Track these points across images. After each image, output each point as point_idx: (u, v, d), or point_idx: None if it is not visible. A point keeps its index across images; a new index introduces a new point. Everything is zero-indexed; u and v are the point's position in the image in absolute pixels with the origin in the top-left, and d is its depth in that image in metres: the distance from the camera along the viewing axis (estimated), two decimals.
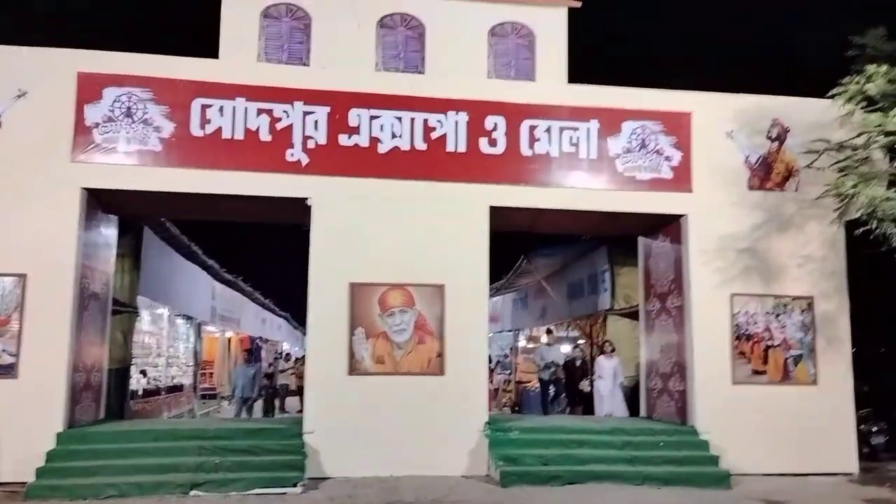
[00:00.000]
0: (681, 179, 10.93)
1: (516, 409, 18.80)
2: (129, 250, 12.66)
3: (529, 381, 19.75)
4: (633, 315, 13.38)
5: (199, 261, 17.87)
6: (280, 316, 39.64)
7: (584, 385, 13.17)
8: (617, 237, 13.51)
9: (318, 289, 10.29)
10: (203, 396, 19.60)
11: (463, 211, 10.56)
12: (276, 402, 19.24)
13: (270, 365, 21.91)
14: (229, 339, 24.06)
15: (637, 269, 12.83)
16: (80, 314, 9.88)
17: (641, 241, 12.43)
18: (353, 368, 10.18)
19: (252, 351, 15.85)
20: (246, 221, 13.26)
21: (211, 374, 22.54)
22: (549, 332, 13.47)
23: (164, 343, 16.38)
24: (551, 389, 14.53)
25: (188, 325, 18.57)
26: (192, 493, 8.63)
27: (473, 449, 10.18)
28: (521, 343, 23.18)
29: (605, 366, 13.01)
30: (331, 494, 8.76)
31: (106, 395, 11.26)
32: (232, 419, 13.07)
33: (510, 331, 23.15)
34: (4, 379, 9.36)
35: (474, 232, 10.57)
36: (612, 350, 13.14)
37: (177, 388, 16.81)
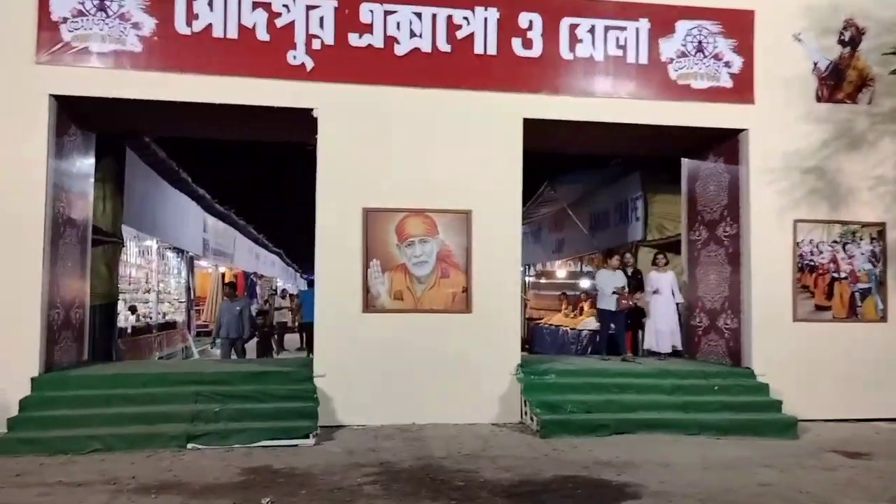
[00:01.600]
0: (742, 89, 9.53)
1: (526, 347, 17.77)
2: (111, 174, 11.26)
3: (541, 318, 18.71)
4: (667, 247, 12.13)
5: (188, 190, 16.51)
6: (273, 252, 38.59)
7: (640, 298, 11.06)
8: (654, 159, 12.17)
9: (327, 216, 9.00)
10: (199, 334, 18.47)
11: (493, 124, 9.19)
12: (274, 342, 18.17)
13: (266, 302, 20.77)
14: (223, 275, 22.83)
15: (674, 197, 11.61)
16: (54, 242, 8.57)
17: (686, 162, 11.09)
18: (369, 305, 8.96)
19: (233, 285, 13.71)
20: (240, 140, 11.88)
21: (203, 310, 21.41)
22: (609, 253, 11.38)
23: (153, 277, 15.10)
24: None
25: (179, 259, 17.29)
26: (190, 445, 7.48)
27: (504, 394, 9.06)
28: (531, 279, 22.09)
29: (661, 281, 10.54)
30: (349, 447, 7.64)
31: (90, 334, 10.08)
32: (232, 361, 11.72)
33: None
34: None
35: (506, 149, 9.23)
36: (666, 262, 10.86)
37: (169, 326, 15.63)
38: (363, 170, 9.02)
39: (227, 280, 12.93)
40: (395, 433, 8.29)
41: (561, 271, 20.12)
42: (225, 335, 12.26)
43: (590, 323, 15.73)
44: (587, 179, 14.41)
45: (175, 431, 7.59)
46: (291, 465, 6.88)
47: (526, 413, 8.88)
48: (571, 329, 15.95)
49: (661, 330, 10.52)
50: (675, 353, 10.74)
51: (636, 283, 11.19)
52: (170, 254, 16.50)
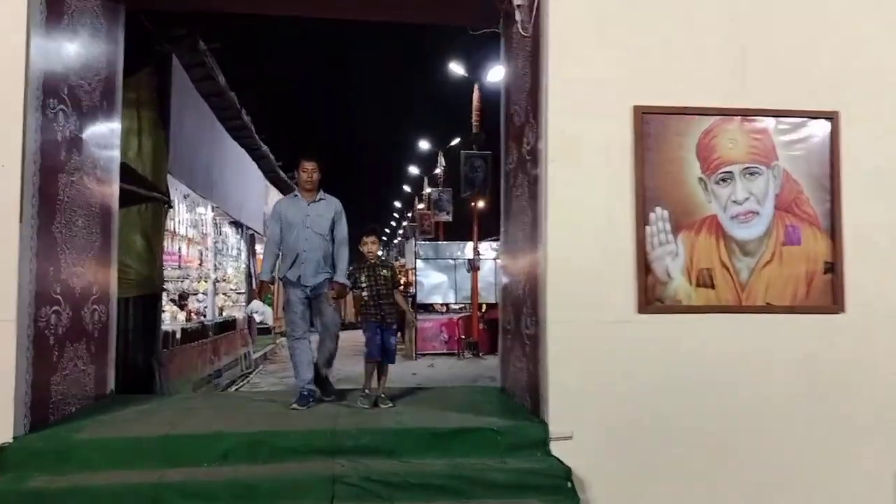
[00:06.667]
0: None
1: None
2: (150, 95, 7.10)
3: None
4: None
5: (250, 143, 12.44)
6: None
7: None
8: None
9: (563, 125, 4.67)
10: (260, 332, 14.41)
11: None
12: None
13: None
14: None
15: None
16: (46, 184, 4.38)
17: None
18: (650, 298, 4.60)
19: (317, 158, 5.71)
20: (355, 20, 7.63)
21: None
22: None
23: (209, 258, 10.82)
24: None
25: (239, 236, 13.10)
26: None
27: None
28: None
29: None
30: None
31: (119, 347, 5.92)
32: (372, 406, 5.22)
33: None
34: None
35: None
36: None
37: (228, 325, 11.35)
38: (630, 40, 4.70)
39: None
40: None
41: None
42: (295, 278, 5.34)
43: None
44: None
45: None
46: None
47: None
48: None
49: None
50: None
51: None
52: (227, 228, 12.28)
